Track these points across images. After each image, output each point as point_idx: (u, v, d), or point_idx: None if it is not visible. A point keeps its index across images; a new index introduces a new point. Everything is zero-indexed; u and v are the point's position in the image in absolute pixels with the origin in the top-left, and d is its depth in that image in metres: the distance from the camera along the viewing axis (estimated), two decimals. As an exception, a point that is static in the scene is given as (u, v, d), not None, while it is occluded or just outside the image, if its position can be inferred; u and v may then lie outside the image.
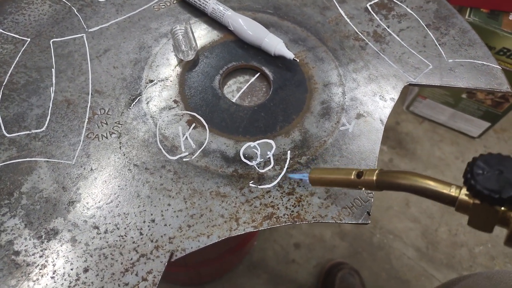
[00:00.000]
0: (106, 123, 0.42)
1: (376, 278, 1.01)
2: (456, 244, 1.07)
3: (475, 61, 0.50)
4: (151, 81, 0.45)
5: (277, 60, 0.48)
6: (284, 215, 0.38)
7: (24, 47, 0.46)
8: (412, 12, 0.54)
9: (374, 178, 0.32)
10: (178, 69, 0.46)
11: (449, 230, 1.09)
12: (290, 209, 0.38)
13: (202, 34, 0.50)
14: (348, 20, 0.53)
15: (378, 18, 0.53)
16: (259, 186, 0.39)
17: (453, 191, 0.29)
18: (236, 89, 0.47)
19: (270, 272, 1.00)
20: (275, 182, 0.40)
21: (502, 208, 0.26)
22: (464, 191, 0.28)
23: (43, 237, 0.35)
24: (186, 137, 0.42)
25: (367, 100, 0.46)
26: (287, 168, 0.41)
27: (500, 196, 0.25)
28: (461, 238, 1.08)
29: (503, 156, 0.26)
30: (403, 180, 0.31)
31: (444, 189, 0.29)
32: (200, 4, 0.50)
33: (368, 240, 1.05)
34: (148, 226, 0.36)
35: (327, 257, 1.03)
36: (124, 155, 0.40)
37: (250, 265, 1.00)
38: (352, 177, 0.34)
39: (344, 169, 0.35)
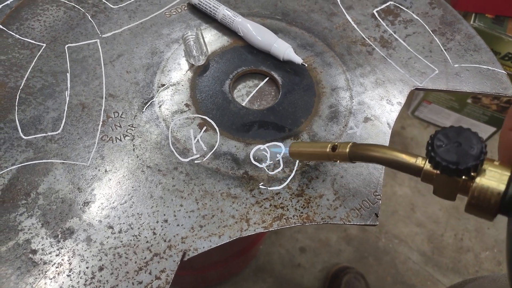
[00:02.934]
0: (120, 126, 0.43)
1: (382, 282, 1.01)
2: (462, 249, 1.07)
3: (480, 66, 0.51)
4: (163, 85, 0.46)
5: (285, 65, 0.49)
6: (293, 216, 0.39)
7: (40, 52, 0.47)
8: (418, 18, 0.55)
9: (347, 150, 0.33)
10: (189, 73, 0.47)
11: (455, 235, 1.09)
12: (299, 210, 0.39)
13: (213, 40, 0.51)
14: (355, 26, 0.54)
15: (384, 24, 0.54)
16: (268, 188, 0.40)
17: (419, 162, 0.30)
18: (245, 93, 0.48)
19: (276, 276, 1.00)
20: (285, 184, 0.40)
21: (463, 177, 0.27)
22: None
23: (59, 236, 0.36)
24: (198, 139, 0.43)
25: (374, 104, 0.47)
26: (296, 170, 0.41)
27: (457, 168, 0.25)
28: (467, 243, 1.08)
29: (462, 129, 0.26)
30: (373, 152, 0.32)
31: (411, 161, 0.30)
32: (211, 11, 0.51)
33: (374, 244, 1.06)
34: (161, 226, 0.37)
35: (332, 262, 1.03)
36: (138, 157, 0.41)
37: (256, 269, 1.00)
38: (328, 150, 0.35)
39: (321, 143, 0.36)
